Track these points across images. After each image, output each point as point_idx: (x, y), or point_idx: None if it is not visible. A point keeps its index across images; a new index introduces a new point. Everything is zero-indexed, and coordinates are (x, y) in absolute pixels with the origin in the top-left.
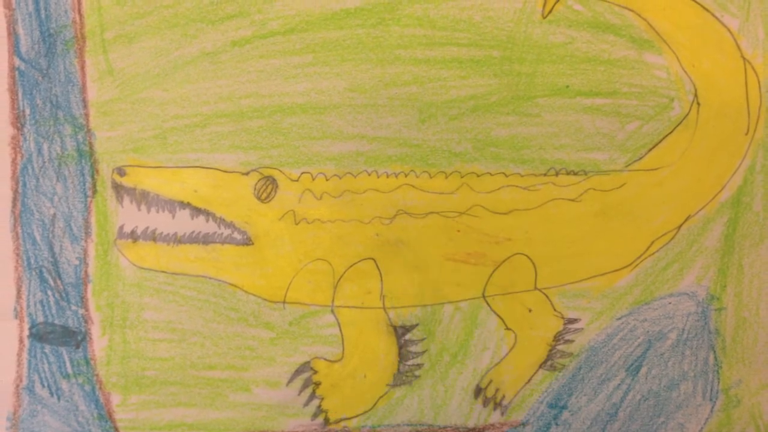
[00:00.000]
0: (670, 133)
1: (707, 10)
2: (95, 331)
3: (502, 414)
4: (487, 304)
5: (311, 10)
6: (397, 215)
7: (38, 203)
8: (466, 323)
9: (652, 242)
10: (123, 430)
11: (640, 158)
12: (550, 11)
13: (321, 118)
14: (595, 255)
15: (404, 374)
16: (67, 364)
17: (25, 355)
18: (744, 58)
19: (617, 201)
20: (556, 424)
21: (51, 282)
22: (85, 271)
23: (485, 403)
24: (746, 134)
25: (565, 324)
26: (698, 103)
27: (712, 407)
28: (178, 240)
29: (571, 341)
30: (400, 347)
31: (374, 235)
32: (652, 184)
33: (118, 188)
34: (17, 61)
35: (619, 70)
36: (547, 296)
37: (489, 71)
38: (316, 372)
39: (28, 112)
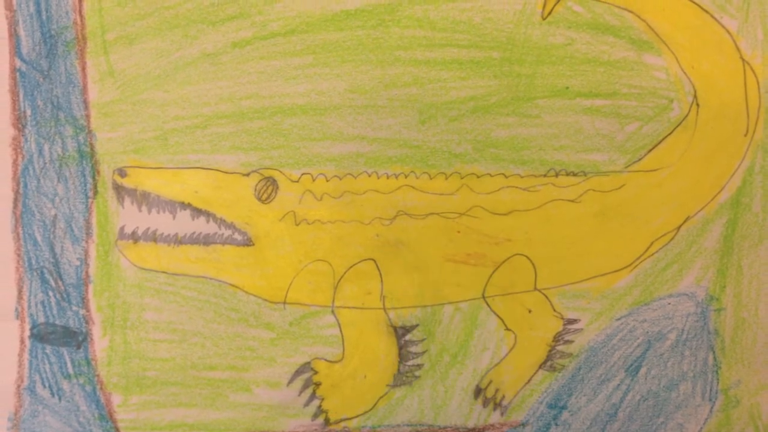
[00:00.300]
0: (670, 134)
1: (706, 11)
2: (96, 331)
3: (502, 414)
4: (487, 304)
5: (311, 11)
6: (398, 216)
7: (39, 204)
8: (466, 324)
9: (652, 243)
10: (124, 431)
11: (640, 159)
12: (550, 13)
13: (321, 119)
14: (594, 256)
15: (404, 375)
16: (68, 364)
17: (26, 355)
18: (743, 60)
19: (617, 202)
20: (556, 425)
21: (52, 283)
22: (86, 272)
23: (485, 404)
24: (745, 135)
25: (564, 324)
26: (697, 105)
27: (712, 407)
28: (178, 241)
29: (571, 342)
30: (401, 348)
31: (374, 235)
32: (651, 185)
33: (119, 189)
34: (18, 63)
35: (619, 71)
36: (546, 297)
37: (489, 72)
38: (316, 372)
39: (29, 113)
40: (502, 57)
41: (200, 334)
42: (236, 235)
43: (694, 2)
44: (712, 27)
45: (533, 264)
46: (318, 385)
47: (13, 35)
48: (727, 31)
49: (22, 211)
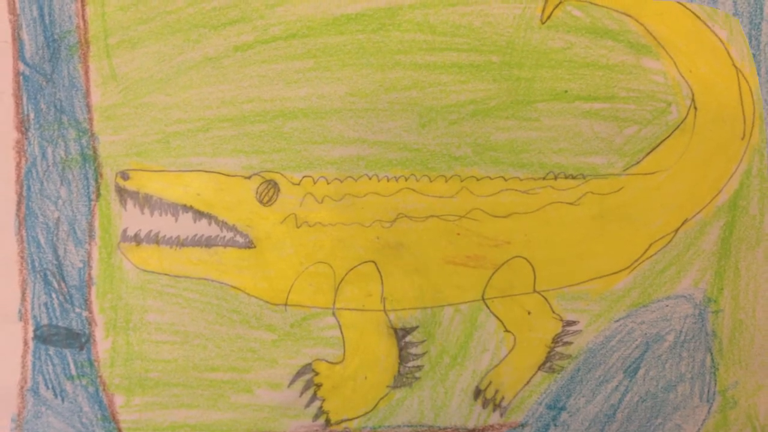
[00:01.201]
0: (668, 137)
1: (700, 18)
2: (99, 333)
3: (501, 415)
4: (487, 306)
5: (313, 15)
6: (398, 218)
7: (42, 207)
8: (466, 325)
9: (650, 245)
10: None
11: (638, 162)
12: (549, 17)
13: (322, 122)
14: (593, 258)
15: (404, 376)
16: (71, 365)
17: (29, 357)
18: (735, 66)
19: (615, 204)
20: (555, 425)
21: (55, 285)
22: (89, 274)
23: (485, 405)
24: (742, 139)
25: (563, 326)
26: (695, 108)
27: (709, 409)
28: (180, 243)
29: (570, 343)
30: (401, 349)
31: (375, 238)
32: (649, 188)
33: (121, 192)
34: (22, 66)
35: (617, 74)
36: (545, 299)
37: (488, 76)
38: (317, 374)
39: (32, 116)
40: (502, 61)
41: (202, 335)
42: (238, 238)
43: (689, 9)
44: (706, 33)
45: (532, 266)
46: (319, 386)
47: (17, 39)
48: (720, 39)
49: (25, 214)
